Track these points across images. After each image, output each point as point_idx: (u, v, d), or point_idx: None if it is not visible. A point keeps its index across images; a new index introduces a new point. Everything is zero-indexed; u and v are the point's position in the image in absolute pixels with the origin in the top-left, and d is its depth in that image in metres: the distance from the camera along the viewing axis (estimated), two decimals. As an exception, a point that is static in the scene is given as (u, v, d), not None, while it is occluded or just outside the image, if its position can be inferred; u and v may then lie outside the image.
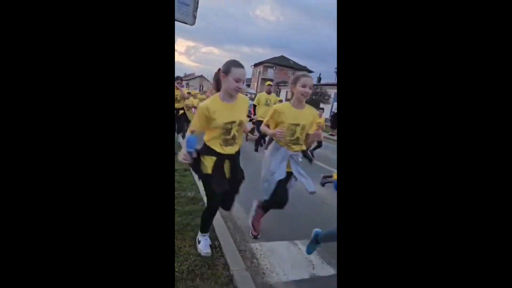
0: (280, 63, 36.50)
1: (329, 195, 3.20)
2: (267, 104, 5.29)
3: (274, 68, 36.15)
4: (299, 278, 1.80)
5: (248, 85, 37.58)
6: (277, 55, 38.14)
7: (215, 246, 1.90)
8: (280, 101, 5.60)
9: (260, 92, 8.37)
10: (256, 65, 37.28)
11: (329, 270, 1.92)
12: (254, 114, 5.91)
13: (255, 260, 1.90)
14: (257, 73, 37.47)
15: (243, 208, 2.58)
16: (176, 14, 1.78)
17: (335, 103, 19.81)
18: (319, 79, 29.55)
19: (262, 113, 4.97)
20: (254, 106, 5.76)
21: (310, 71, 38.98)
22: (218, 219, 2.18)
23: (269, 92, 5.62)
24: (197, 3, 1.79)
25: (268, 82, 5.94)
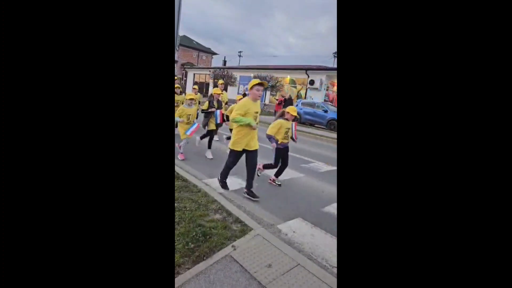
0: (184, 44, 35.62)
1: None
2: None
3: (177, 49, 34.90)
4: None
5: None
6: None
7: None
8: None
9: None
10: (157, 44, 34.80)
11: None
12: None
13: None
14: (160, 53, 35.42)
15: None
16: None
17: (241, 86, 21.58)
18: (225, 62, 30.86)
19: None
20: None
21: (215, 53, 39.60)
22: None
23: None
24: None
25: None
